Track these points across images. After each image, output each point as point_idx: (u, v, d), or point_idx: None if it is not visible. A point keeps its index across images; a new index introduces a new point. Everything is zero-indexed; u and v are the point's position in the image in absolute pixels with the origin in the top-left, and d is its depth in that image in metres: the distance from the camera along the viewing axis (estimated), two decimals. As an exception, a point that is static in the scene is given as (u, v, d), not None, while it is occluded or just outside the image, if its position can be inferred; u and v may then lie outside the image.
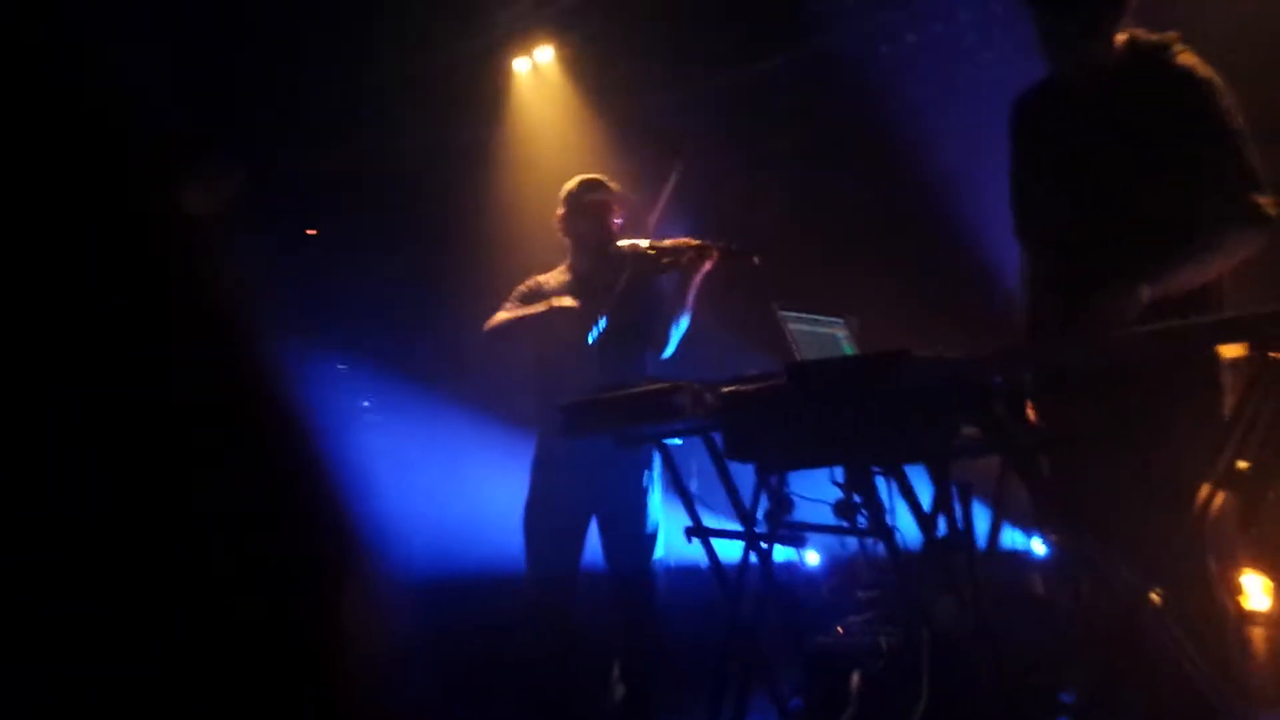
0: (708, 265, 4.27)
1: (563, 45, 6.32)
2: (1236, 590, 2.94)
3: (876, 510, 3.33)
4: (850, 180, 6.23)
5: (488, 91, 6.51)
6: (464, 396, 6.01)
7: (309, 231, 6.33)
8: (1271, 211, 2.90)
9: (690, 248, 4.28)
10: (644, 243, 4.33)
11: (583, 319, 4.29)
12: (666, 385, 3.52)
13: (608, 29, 6.14)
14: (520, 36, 6.26)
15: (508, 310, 4.42)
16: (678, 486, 3.68)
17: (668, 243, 4.33)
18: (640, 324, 4.33)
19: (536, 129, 6.48)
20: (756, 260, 4.29)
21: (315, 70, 6.03)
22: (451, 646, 5.13)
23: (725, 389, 3.47)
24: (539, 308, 4.32)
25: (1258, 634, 3.10)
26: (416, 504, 5.73)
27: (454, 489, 6.03)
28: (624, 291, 4.29)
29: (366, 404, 6.30)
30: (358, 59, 6.00)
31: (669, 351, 4.35)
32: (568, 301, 4.30)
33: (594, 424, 3.75)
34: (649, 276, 4.37)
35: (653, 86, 6.44)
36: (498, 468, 5.30)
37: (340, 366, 6.33)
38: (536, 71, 6.45)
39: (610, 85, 6.42)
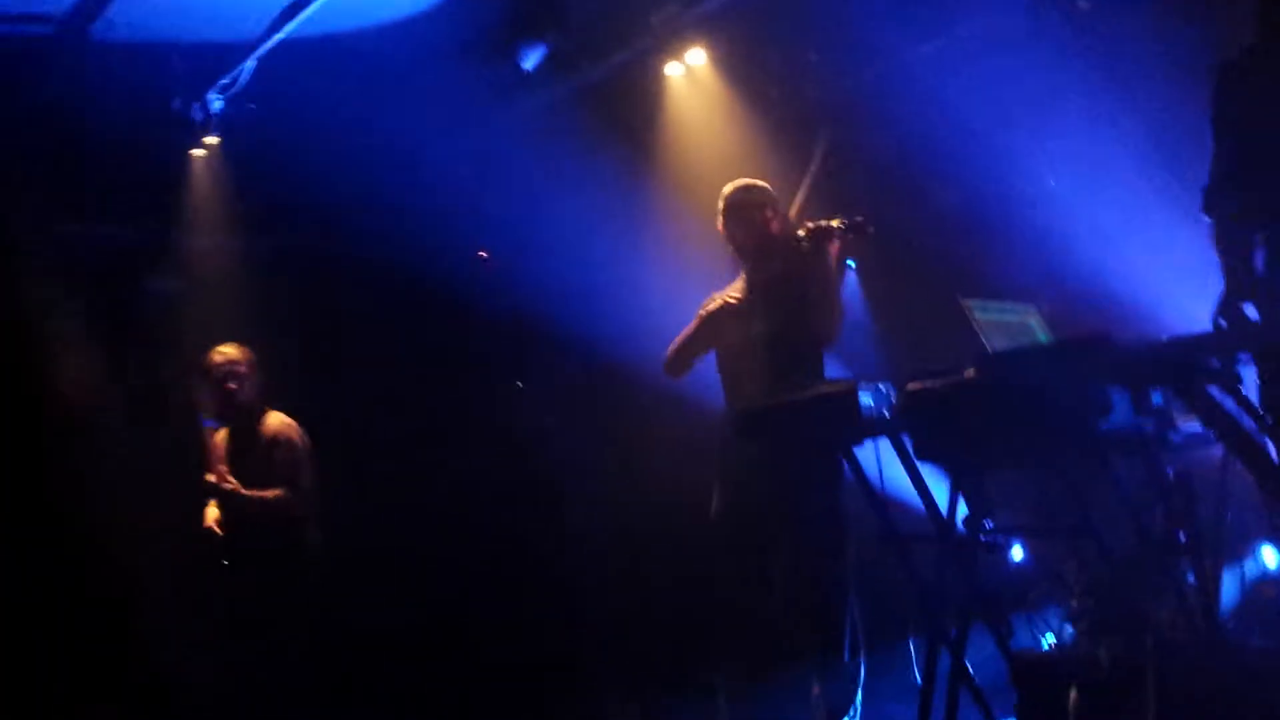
0: (836, 243, 4.14)
1: (713, 46, 6.20)
2: None
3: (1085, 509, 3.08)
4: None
5: (643, 99, 6.43)
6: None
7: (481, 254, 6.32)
8: None
9: (825, 228, 4.16)
10: (797, 233, 4.23)
11: (742, 318, 4.27)
12: (848, 384, 3.35)
13: (757, 25, 6.00)
14: (671, 40, 6.15)
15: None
16: (865, 489, 3.48)
17: (811, 225, 4.22)
18: (806, 321, 4.20)
19: (694, 133, 6.38)
20: (870, 229, 4.13)
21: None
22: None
23: (910, 386, 3.27)
24: (692, 325, 4.37)
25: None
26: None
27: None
28: (779, 288, 4.22)
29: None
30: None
31: (831, 340, 4.22)
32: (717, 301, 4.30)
33: (774, 427, 3.60)
34: (801, 266, 4.24)
35: (808, 79, 6.25)
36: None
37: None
38: (689, 75, 6.34)
39: (764, 80, 6.26)
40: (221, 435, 5.21)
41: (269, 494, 4.97)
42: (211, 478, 4.94)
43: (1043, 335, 3.53)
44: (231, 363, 5.13)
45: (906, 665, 4.68)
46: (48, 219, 6.03)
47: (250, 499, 4.94)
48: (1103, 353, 2.83)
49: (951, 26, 5.75)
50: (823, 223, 4.18)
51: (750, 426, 3.66)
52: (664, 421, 5.71)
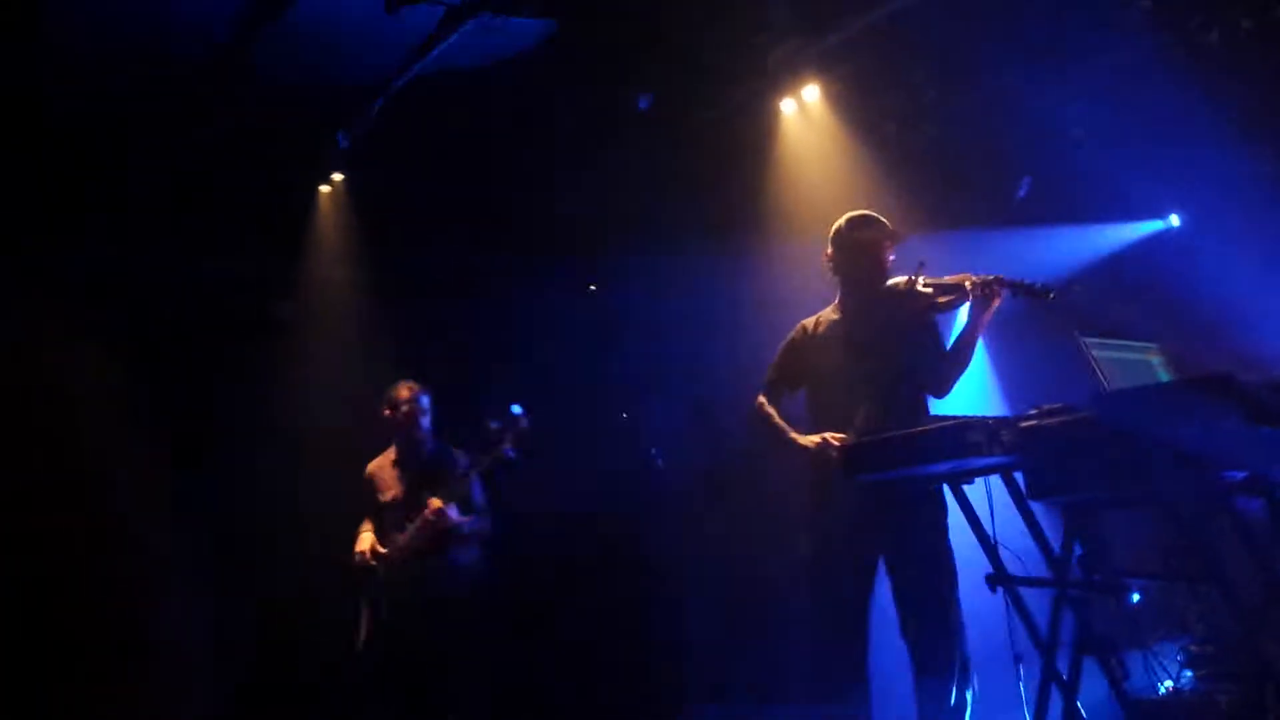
0: (996, 302, 4.00)
1: (829, 82, 6.20)
2: None
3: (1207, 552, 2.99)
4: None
5: (757, 136, 6.46)
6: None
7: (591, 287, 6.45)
8: None
9: (977, 285, 4.02)
10: (920, 279, 4.06)
11: (844, 349, 4.14)
12: (958, 421, 3.31)
13: (874, 61, 5.98)
14: (787, 77, 6.18)
15: (769, 404, 4.29)
16: (975, 529, 3.43)
17: (947, 280, 4.09)
18: (918, 367, 4.10)
19: (806, 169, 6.38)
20: (1051, 296, 3.95)
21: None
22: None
23: (1024, 423, 3.22)
24: (803, 442, 4.08)
25: None
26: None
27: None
28: (901, 333, 4.12)
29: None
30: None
31: (947, 394, 4.09)
32: (828, 439, 4.03)
33: (879, 464, 3.57)
34: (927, 316, 4.15)
35: (925, 116, 6.22)
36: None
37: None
38: (803, 111, 6.35)
39: (880, 117, 6.25)
40: (389, 466, 5.41)
41: (473, 522, 5.22)
42: (437, 504, 5.07)
43: (1164, 375, 3.45)
44: (417, 398, 5.37)
45: (1017, 705, 4.58)
46: (177, 252, 6.30)
47: (462, 528, 5.16)
48: (1225, 393, 2.76)
49: (1074, 63, 5.67)
50: (965, 279, 4.00)
51: (858, 462, 3.62)
52: (766, 463, 5.71)
